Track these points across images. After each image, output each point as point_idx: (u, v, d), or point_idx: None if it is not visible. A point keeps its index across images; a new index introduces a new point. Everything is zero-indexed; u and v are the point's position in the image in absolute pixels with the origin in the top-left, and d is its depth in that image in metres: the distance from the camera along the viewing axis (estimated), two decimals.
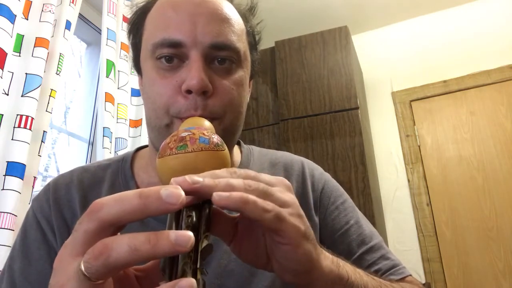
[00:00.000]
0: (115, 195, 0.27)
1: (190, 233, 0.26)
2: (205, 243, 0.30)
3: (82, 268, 0.25)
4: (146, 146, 0.66)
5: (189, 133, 0.39)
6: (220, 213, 0.36)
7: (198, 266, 0.28)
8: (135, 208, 0.26)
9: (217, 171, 0.34)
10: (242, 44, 0.54)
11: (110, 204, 0.27)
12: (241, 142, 0.69)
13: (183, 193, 0.27)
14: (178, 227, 0.30)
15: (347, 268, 0.40)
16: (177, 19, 0.51)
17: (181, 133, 0.39)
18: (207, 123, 0.47)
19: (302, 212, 0.35)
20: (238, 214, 0.37)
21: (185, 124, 0.46)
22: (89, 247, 0.26)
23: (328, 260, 0.38)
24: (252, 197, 0.31)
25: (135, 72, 0.61)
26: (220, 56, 0.51)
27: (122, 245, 0.25)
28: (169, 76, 0.51)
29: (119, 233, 0.29)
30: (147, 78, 0.54)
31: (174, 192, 0.27)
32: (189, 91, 0.49)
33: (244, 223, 0.37)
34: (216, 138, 0.39)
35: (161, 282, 0.26)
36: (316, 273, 0.36)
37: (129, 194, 0.27)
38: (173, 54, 0.51)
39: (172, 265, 0.27)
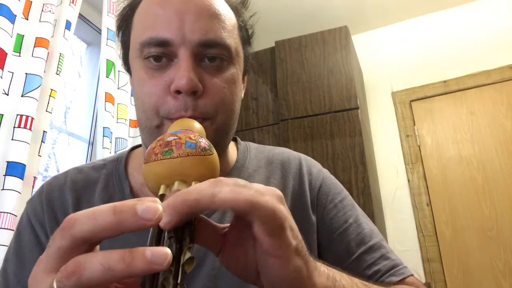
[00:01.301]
0: (88, 210, 0.26)
1: (167, 250, 0.25)
2: (187, 255, 0.28)
3: (55, 287, 0.24)
4: (140, 146, 0.64)
5: (175, 137, 0.37)
6: (207, 223, 0.34)
7: (178, 281, 0.26)
8: (109, 225, 0.25)
9: (203, 187, 0.31)
10: (233, 40, 0.53)
11: (83, 220, 0.25)
12: (238, 138, 0.67)
13: (160, 208, 0.26)
14: (161, 238, 0.29)
15: (344, 282, 0.39)
16: (164, 17, 0.49)
17: (167, 138, 0.37)
18: (197, 125, 0.45)
19: (293, 224, 0.33)
20: (227, 224, 0.35)
21: (174, 126, 0.45)
22: (63, 263, 0.25)
23: (323, 277, 0.36)
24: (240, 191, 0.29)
25: None
26: (210, 54, 0.50)
27: (95, 263, 0.24)
28: (157, 76, 0.49)
29: (97, 247, 0.28)
30: (136, 78, 0.53)
31: (151, 207, 0.25)
32: (178, 92, 0.47)
33: (233, 234, 0.35)
34: (203, 142, 0.38)
35: None
36: None
37: (103, 210, 0.25)
38: (161, 53, 0.49)
39: (152, 280, 0.26)
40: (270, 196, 0.31)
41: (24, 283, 0.53)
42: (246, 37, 0.59)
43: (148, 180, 0.37)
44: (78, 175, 0.61)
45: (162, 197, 0.34)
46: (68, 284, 0.24)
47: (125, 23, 0.56)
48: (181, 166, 0.35)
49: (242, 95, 0.59)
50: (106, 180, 0.60)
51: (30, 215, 0.57)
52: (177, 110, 0.48)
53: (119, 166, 0.61)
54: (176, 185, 0.35)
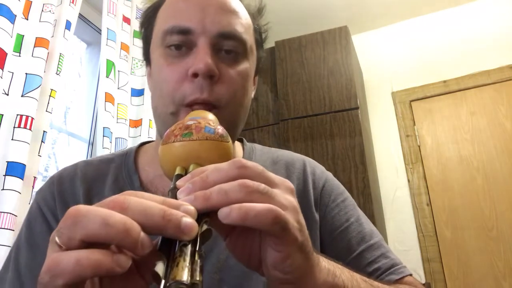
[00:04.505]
0: (139, 203, 0.28)
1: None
2: (204, 227, 0.29)
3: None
4: (149, 142, 0.67)
5: (195, 121, 0.39)
6: None
7: (197, 248, 0.27)
8: (156, 225, 0.27)
9: (222, 165, 0.33)
10: (249, 37, 0.57)
11: (136, 208, 0.27)
12: (244, 139, 0.70)
13: (196, 227, 0.28)
14: None
15: (343, 277, 0.39)
16: (187, 9, 0.53)
17: (187, 121, 0.39)
18: (211, 116, 0.47)
19: (301, 219, 0.34)
20: None
21: (191, 115, 0.46)
22: None
23: (323, 272, 0.37)
24: (252, 208, 0.30)
25: (135, 72, 0.62)
26: (226, 46, 0.53)
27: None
28: (176, 63, 0.52)
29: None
30: (155, 66, 0.56)
31: (192, 225, 0.28)
32: (195, 74, 0.50)
33: None
34: (221, 130, 0.39)
35: (158, 262, 0.26)
36: (307, 286, 0.35)
37: (155, 210, 0.27)
38: (182, 42, 0.52)
39: (170, 245, 0.27)
40: (281, 195, 0.33)
41: (37, 272, 0.52)
42: (259, 40, 0.63)
43: (165, 161, 0.38)
44: (88, 167, 0.62)
45: (178, 177, 0.35)
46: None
47: (148, 20, 0.60)
48: (199, 149, 0.37)
49: (253, 95, 0.62)
50: (116, 173, 0.61)
51: (40, 204, 0.58)
52: (193, 92, 0.50)
53: (128, 160, 0.62)
54: (191, 168, 0.36)
